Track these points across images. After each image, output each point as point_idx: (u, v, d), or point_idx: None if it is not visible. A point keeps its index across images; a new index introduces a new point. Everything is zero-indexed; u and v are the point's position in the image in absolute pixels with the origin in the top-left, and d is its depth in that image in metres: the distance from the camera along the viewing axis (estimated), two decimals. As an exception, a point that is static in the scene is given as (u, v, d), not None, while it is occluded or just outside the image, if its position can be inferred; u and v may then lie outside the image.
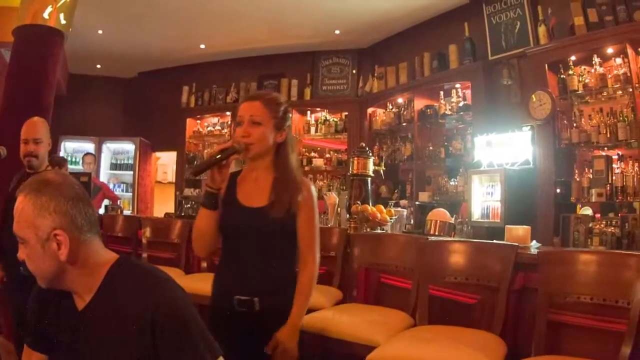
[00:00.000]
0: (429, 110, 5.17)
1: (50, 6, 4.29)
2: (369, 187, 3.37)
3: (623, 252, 2.62)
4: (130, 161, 7.40)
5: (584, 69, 3.87)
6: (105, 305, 1.14)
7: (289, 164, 1.71)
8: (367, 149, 3.47)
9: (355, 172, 3.37)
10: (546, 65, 4.02)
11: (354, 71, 6.40)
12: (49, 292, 1.19)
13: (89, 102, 7.58)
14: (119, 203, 5.96)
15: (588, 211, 3.73)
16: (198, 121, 7.22)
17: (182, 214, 4.99)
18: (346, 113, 6.18)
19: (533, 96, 4.03)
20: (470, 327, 2.05)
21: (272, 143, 1.69)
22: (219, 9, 5.43)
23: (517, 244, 2.18)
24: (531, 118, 4.07)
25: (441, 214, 3.49)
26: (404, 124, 5.49)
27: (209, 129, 7.08)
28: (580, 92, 3.85)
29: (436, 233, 3.32)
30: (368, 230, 3.07)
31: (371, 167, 3.36)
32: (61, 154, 6.96)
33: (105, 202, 5.68)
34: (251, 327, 1.63)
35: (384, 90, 5.79)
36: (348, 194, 3.48)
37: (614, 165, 3.63)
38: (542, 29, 4.23)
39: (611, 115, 3.66)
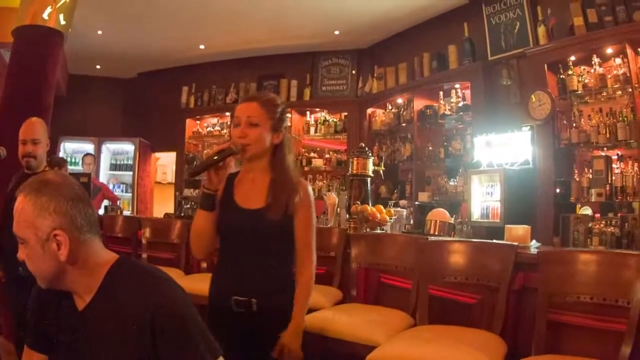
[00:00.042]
0: (428, 110, 5.17)
1: (50, 7, 4.28)
2: (369, 187, 3.36)
3: (623, 251, 2.63)
4: (130, 162, 7.39)
5: (584, 69, 3.88)
6: (105, 306, 1.14)
7: (286, 165, 1.71)
8: (366, 149, 3.46)
9: (354, 172, 3.36)
10: (546, 65, 4.02)
11: (353, 71, 6.39)
12: (49, 293, 1.19)
13: (89, 103, 7.57)
14: (118, 203, 5.96)
15: (588, 211, 3.73)
16: (197, 122, 7.21)
17: (182, 215, 5.00)
18: (346, 113, 6.17)
19: (532, 96, 4.03)
20: (470, 326, 2.05)
21: (269, 144, 1.69)
22: (218, 9, 5.43)
23: (516, 243, 2.19)
24: (531, 118, 4.07)
25: (441, 214, 3.49)
26: (404, 124, 5.48)
27: (208, 129, 7.07)
28: (579, 92, 3.85)
29: (436, 233, 3.32)
30: (368, 230, 3.07)
31: (371, 168, 3.36)
32: (61, 154, 6.96)
33: (105, 202, 5.68)
34: (250, 328, 1.63)
35: (383, 90, 5.79)
36: (348, 194, 3.47)
37: (614, 166, 3.64)
38: (541, 29, 4.23)
39: (611, 116, 3.67)
